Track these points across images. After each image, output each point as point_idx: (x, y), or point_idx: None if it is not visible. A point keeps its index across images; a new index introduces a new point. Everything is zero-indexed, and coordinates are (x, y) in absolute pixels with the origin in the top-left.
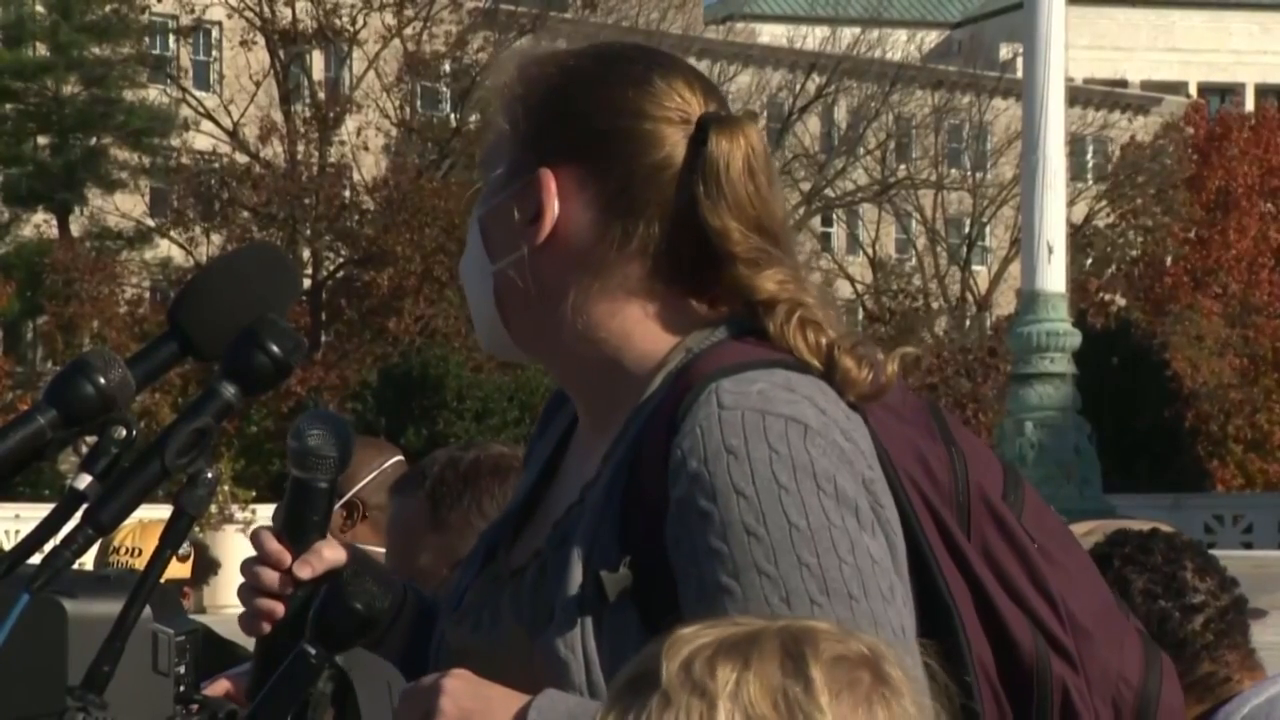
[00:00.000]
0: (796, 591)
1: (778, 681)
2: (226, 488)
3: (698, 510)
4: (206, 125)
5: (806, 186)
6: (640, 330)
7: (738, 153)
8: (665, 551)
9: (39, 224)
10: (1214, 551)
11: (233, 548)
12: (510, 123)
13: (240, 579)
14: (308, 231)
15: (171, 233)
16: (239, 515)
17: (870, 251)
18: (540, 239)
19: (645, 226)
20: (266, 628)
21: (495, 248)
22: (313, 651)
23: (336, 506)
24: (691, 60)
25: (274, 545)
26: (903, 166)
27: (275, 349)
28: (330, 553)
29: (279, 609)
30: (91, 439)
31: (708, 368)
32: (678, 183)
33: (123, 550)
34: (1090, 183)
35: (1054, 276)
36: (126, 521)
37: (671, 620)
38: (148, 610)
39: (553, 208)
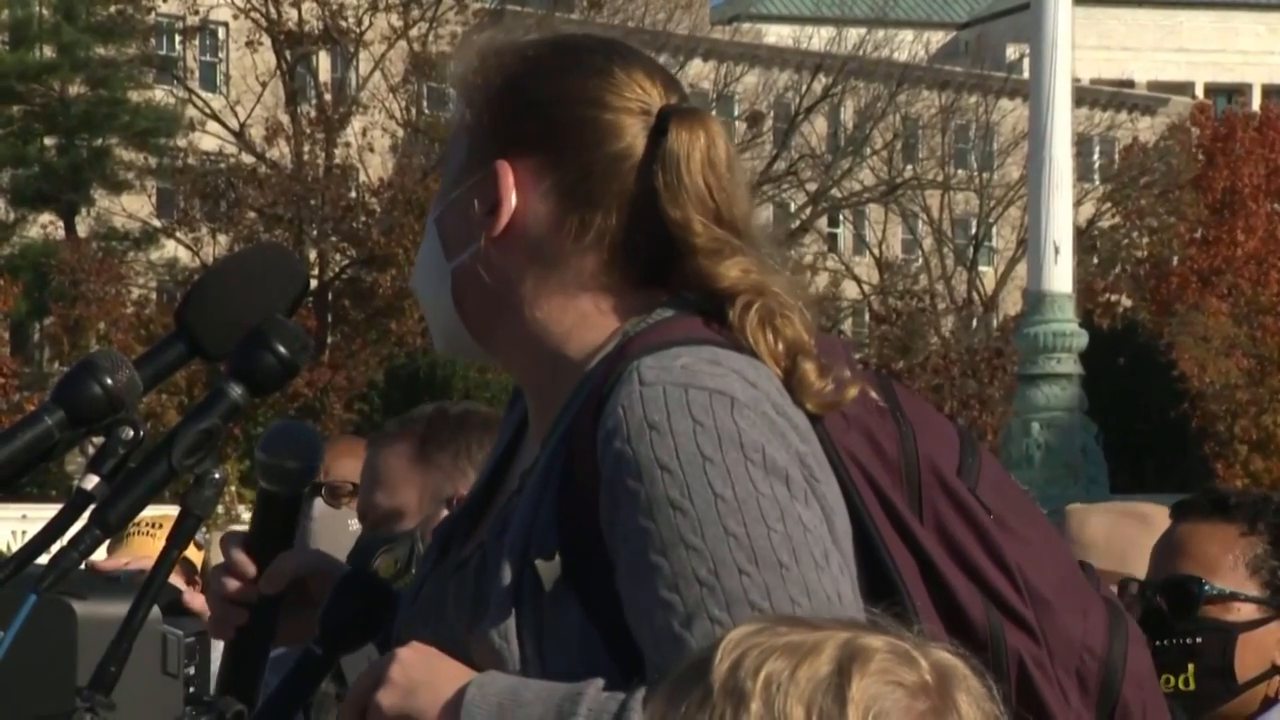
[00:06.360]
0: (724, 563)
1: (815, 696)
2: (233, 489)
3: (625, 489)
4: (212, 126)
5: (813, 187)
6: (590, 321)
7: (698, 144)
8: (602, 535)
9: (45, 225)
10: None
11: None
12: (470, 115)
13: None
14: (314, 232)
15: (178, 233)
16: (245, 516)
17: (876, 252)
18: (497, 230)
19: (603, 218)
20: (232, 633)
21: (452, 244)
22: (319, 651)
23: None
24: (698, 61)
25: (239, 556)
26: (909, 167)
27: (283, 349)
28: (293, 564)
29: (244, 616)
30: (99, 440)
31: (635, 348)
32: (637, 174)
33: (143, 523)
34: (1097, 183)
35: (1060, 277)
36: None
37: (611, 605)
38: (156, 611)
39: (509, 199)
